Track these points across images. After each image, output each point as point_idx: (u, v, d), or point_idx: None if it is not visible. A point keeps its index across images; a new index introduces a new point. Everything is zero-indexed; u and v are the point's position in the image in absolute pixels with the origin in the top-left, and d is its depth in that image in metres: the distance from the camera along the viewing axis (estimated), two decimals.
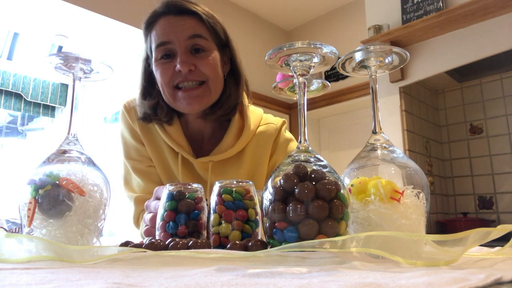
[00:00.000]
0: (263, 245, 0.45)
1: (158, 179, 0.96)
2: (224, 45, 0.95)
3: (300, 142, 0.48)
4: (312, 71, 0.49)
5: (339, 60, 0.51)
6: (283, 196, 0.43)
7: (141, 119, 0.94)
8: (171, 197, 0.57)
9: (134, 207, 0.95)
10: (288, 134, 1.05)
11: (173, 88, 0.88)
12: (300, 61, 0.47)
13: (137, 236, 0.96)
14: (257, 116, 1.01)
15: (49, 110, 3.46)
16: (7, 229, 2.49)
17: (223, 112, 0.93)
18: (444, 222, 2.25)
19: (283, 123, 1.05)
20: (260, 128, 1.00)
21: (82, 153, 0.54)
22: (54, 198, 0.48)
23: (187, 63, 0.85)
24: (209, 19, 0.89)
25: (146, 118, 0.94)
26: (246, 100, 1.00)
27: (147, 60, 0.94)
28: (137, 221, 0.96)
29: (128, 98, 1.01)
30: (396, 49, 0.49)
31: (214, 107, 0.93)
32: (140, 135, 0.96)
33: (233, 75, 0.97)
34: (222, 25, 0.94)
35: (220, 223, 0.52)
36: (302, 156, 0.46)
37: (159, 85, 0.90)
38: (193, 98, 0.87)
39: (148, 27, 0.90)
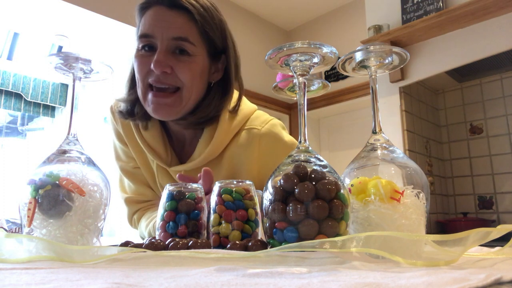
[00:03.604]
0: (263, 245, 0.45)
1: (145, 180, 0.96)
2: (220, 51, 0.86)
3: (300, 142, 0.48)
4: (312, 71, 0.49)
5: (339, 60, 0.51)
6: (283, 196, 0.43)
7: (118, 113, 0.89)
8: (171, 197, 0.57)
9: (127, 208, 0.97)
10: (288, 141, 0.89)
11: (147, 86, 0.80)
12: (300, 61, 0.47)
13: (137, 236, 0.97)
14: (243, 117, 0.89)
15: (49, 110, 3.46)
16: (7, 229, 2.49)
17: (195, 121, 0.84)
18: (444, 222, 2.25)
19: (271, 134, 0.88)
20: (243, 133, 0.88)
21: (82, 153, 0.54)
22: (54, 198, 0.48)
23: (162, 64, 0.76)
24: (204, 22, 0.80)
25: (122, 114, 0.88)
26: (231, 103, 0.89)
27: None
28: (131, 221, 0.98)
29: (115, 99, 0.96)
30: (396, 49, 0.49)
31: (187, 114, 0.84)
32: (123, 136, 0.94)
33: (223, 84, 0.87)
34: (222, 28, 0.84)
35: (220, 223, 0.52)
36: (302, 156, 0.46)
37: (136, 79, 0.83)
38: (161, 105, 0.79)
39: (140, 13, 0.83)
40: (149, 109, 0.81)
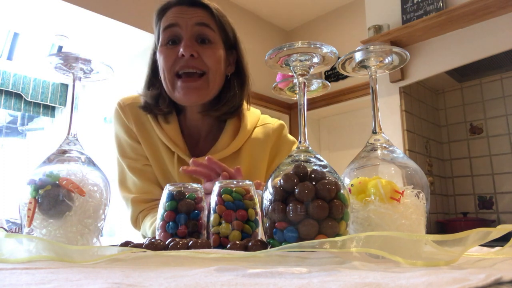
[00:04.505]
0: (263, 245, 0.45)
1: (155, 178, 0.96)
2: (232, 46, 0.96)
3: (300, 142, 0.48)
4: (312, 71, 0.49)
5: (339, 60, 0.51)
6: (283, 196, 0.42)
7: (142, 107, 0.95)
8: (171, 197, 0.57)
9: (132, 208, 0.94)
10: (291, 137, 1.05)
11: (174, 76, 0.88)
12: (300, 61, 0.47)
13: (137, 236, 0.96)
14: (255, 117, 1.01)
15: (49, 110, 3.46)
16: (7, 229, 2.49)
17: (226, 111, 0.94)
18: (444, 222, 2.25)
19: (283, 125, 1.04)
20: (257, 129, 1.00)
21: (82, 153, 0.54)
22: (54, 198, 0.48)
23: (190, 47, 0.86)
24: (220, 16, 0.92)
25: (147, 107, 0.94)
26: (245, 101, 1.01)
27: (155, 50, 0.96)
28: (135, 221, 0.96)
29: (122, 96, 1.00)
30: (396, 49, 0.49)
31: (218, 104, 0.94)
32: (135, 133, 0.95)
33: (239, 76, 0.98)
34: (232, 26, 0.96)
35: (220, 223, 0.52)
36: (302, 156, 0.46)
37: (161, 71, 0.91)
38: (191, 89, 0.87)
39: (159, 15, 0.92)
40: (179, 95, 0.88)
